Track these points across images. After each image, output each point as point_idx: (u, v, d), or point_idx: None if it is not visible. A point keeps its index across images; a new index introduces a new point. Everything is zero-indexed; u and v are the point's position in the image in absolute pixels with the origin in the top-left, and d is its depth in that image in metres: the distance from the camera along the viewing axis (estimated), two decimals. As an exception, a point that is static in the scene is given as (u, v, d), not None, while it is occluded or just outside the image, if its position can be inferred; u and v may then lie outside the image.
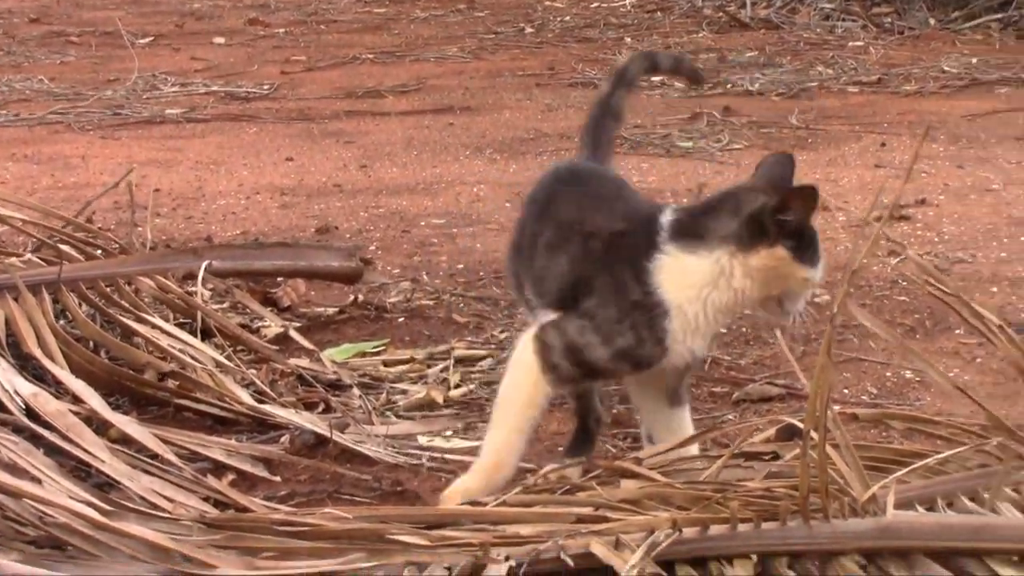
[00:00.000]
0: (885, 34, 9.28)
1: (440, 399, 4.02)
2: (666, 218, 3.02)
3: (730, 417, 3.84)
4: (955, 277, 4.85)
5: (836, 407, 3.57)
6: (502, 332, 4.54)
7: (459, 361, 4.32)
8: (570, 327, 3.00)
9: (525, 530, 2.90)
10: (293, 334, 4.37)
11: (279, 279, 4.88)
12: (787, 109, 7.58)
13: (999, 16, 9.07)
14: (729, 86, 8.25)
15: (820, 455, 2.88)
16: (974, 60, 8.49)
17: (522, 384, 3.08)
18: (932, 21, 9.25)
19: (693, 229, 2.99)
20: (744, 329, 4.39)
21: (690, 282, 2.96)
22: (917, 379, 3.97)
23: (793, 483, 2.93)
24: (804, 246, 2.97)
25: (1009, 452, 3.19)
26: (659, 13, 10.45)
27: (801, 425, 2.92)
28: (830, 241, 5.19)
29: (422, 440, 3.81)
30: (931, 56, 8.76)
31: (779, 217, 2.92)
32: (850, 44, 9.10)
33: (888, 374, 4.12)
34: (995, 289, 4.78)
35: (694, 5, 10.25)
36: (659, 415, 3.23)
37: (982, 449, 3.29)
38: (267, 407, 3.87)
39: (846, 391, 4.02)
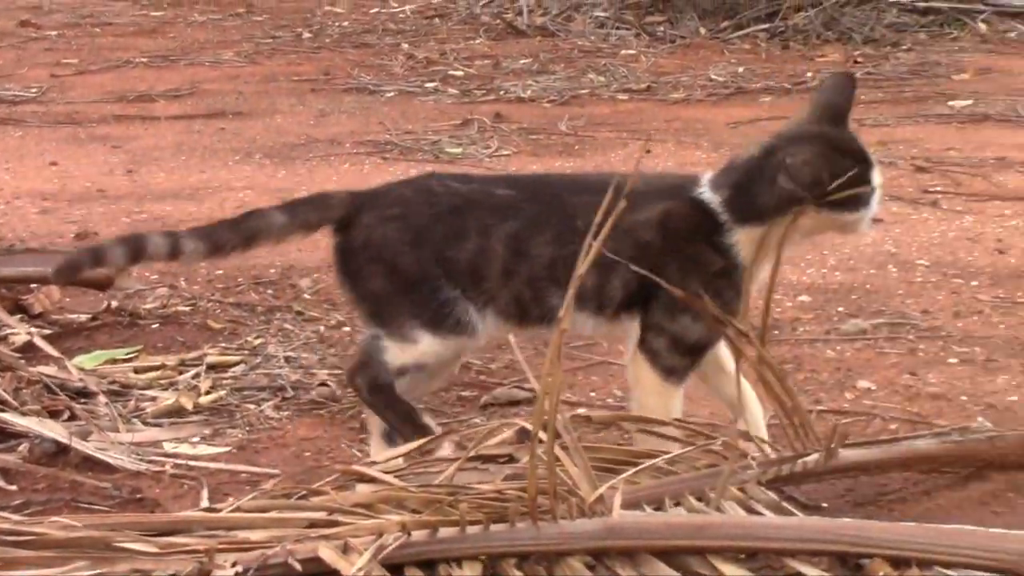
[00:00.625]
0: (657, 43, 9.46)
1: (189, 405, 4.01)
2: (713, 197, 3.19)
3: (476, 421, 3.88)
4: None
5: (581, 409, 3.68)
6: (257, 338, 4.54)
7: (211, 367, 4.30)
8: (664, 323, 3.15)
9: (255, 535, 2.92)
10: (38, 341, 4.33)
11: (33, 286, 4.82)
12: (557, 116, 7.69)
13: (766, 26, 9.31)
14: (502, 93, 8.33)
15: (549, 457, 2.93)
16: (740, 69, 8.71)
17: (657, 405, 3.23)
18: (702, 30, 9.47)
19: (744, 206, 3.15)
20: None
21: (756, 247, 3.13)
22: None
23: (524, 485, 2.98)
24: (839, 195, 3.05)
25: (734, 452, 3.30)
26: (437, 20, 10.53)
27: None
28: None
29: (168, 447, 3.80)
30: (700, 64, 8.95)
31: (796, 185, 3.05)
32: (622, 52, 9.25)
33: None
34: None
35: (472, 12, 10.34)
36: (726, 378, 3.33)
37: (710, 449, 3.39)
38: (5, 415, 3.82)
39: (593, 394, 4.10)
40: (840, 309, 4.85)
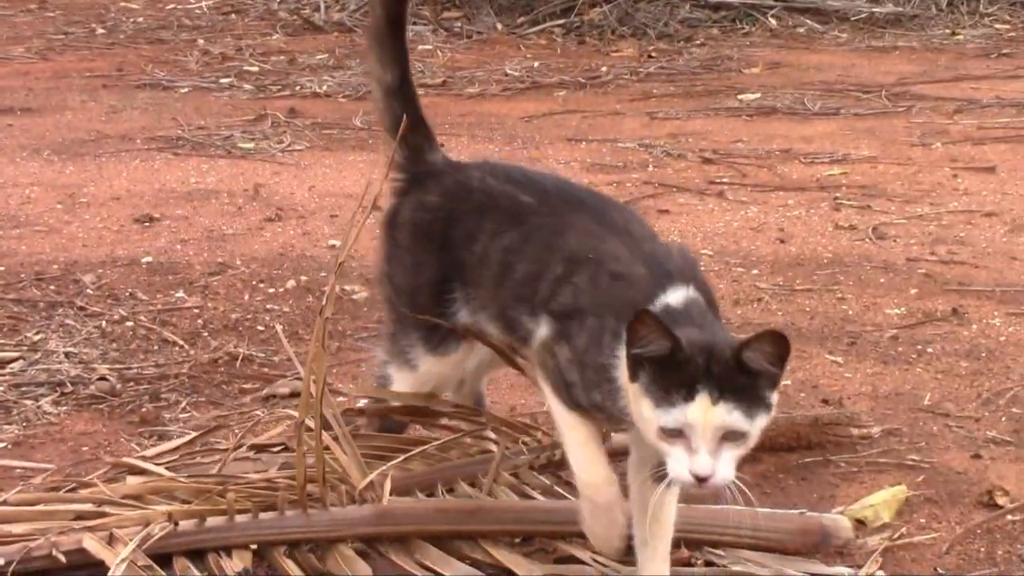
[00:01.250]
0: (454, 38, 9.58)
1: (-36, 404, 3.99)
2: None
3: (258, 413, 3.87)
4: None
5: (363, 401, 3.70)
6: (37, 334, 4.50)
7: (-12, 364, 4.28)
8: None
9: (19, 528, 2.92)
10: None
11: None
12: (352, 111, 7.73)
13: (562, 22, 9.48)
14: (297, 88, 8.36)
15: (317, 446, 2.99)
16: (536, 64, 8.83)
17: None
18: (499, 26, 9.59)
19: None
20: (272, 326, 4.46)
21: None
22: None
23: (294, 473, 3.02)
24: (657, 375, 2.52)
25: (505, 438, 3.36)
26: (234, 15, 10.52)
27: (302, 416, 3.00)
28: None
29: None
30: (496, 60, 9.05)
31: (632, 351, 2.53)
32: (420, 48, 9.31)
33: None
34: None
35: (269, 8, 10.36)
36: (641, 485, 2.88)
37: (482, 436, 3.44)
38: None
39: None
40: None
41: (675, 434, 2.46)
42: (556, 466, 3.44)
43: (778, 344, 2.45)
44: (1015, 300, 4.83)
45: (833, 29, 9.86)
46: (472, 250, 2.95)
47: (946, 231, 5.64)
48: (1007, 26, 9.84)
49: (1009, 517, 3.46)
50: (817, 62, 9.01)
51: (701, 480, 2.45)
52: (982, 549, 3.34)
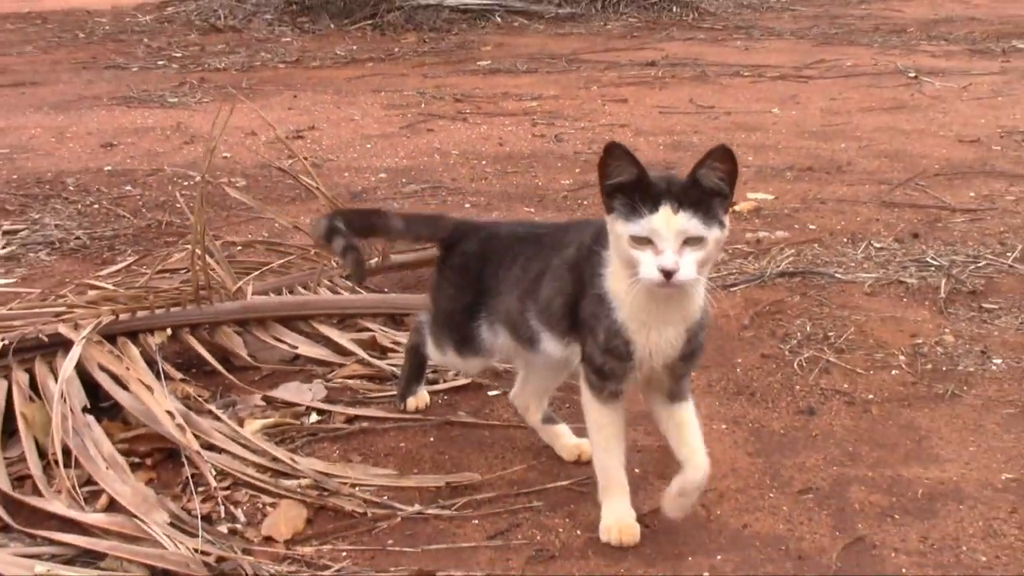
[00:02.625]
0: (305, 33, 10.00)
1: None
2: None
3: (172, 251, 3.93)
4: (326, 169, 5.33)
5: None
6: (37, 214, 4.68)
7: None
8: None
9: (18, 322, 3.09)
10: None
11: None
12: (241, 78, 7.93)
13: (371, 21, 9.97)
14: (206, 65, 8.55)
15: (204, 266, 3.24)
16: (354, 47, 9.20)
17: (589, 419, 2.44)
18: (332, 25, 10.07)
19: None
20: (185, 204, 4.66)
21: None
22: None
23: (192, 283, 3.24)
24: (629, 201, 2.17)
25: (321, 255, 3.65)
26: (167, 23, 10.76)
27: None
28: (254, 155, 5.53)
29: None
30: (329, 45, 9.38)
31: (605, 184, 2.21)
32: (283, 39, 9.65)
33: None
34: (347, 174, 5.29)
35: (188, 18, 10.64)
36: (663, 411, 2.42)
37: (310, 258, 3.74)
38: None
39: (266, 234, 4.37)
40: (404, 180, 5.20)
41: (644, 242, 2.13)
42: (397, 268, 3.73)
43: (726, 159, 2.13)
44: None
45: (535, 23, 10.21)
46: (497, 276, 2.56)
47: (597, 135, 5.97)
48: (636, 19, 10.29)
49: None
50: (525, 43, 9.28)
51: (668, 275, 2.11)
52: None
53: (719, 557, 2.36)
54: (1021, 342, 3.31)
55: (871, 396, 3.03)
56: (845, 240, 4.17)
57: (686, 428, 2.39)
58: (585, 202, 4.71)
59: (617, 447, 2.40)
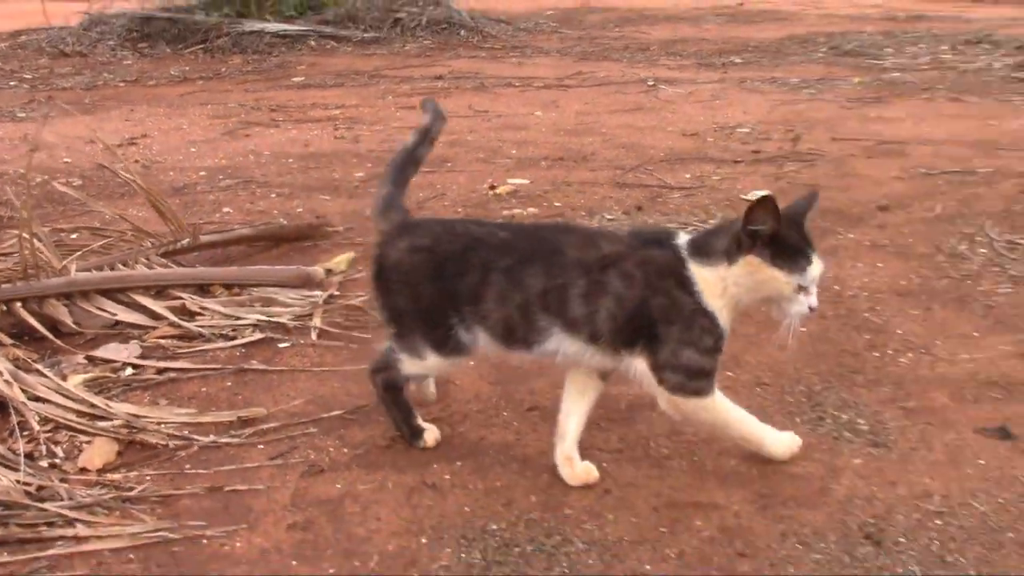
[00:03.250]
0: (144, 57, 9.67)
1: None
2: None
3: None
4: (154, 169, 5.24)
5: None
6: None
7: None
8: (673, 360, 2.22)
9: None
10: None
11: None
12: (84, 95, 7.69)
13: (202, 46, 9.77)
14: (54, 85, 8.26)
15: (32, 247, 3.19)
16: (187, 68, 8.95)
17: (714, 420, 2.32)
18: (168, 49, 9.79)
19: (703, 246, 2.23)
20: (28, 194, 4.55)
21: (713, 284, 2.20)
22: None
23: (23, 263, 3.19)
24: (780, 253, 2.14)
25: (142, 238, 3.64)
26: (20, 50, 10.18)
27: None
28: (90, 159, 5.40)
29: None
30: (165, 67, 9.10)
31: (749, 228, 2.13)
32: (124, 62, 9.35)
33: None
34: (172, 173, 5.20)
35: (39, 46, 10.15)
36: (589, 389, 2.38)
37: (128, 240, 3.71)
38: None
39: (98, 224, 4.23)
40: (220, 177, 5.15)
41: (800, 288, 2.16)
42: (171, 254, 3.67)
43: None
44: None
45: (344, 45, 10.13)
46: (466, 279, 2.28)
47: (390, 136, 5.99)
48: (430, 41, 10.34)
49: None
50: (335, 62, 9.19)
51: (812, 310, 2.18)
52: None
53: (459, 464, 2.46)
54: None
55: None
56: (583, 214, 4.32)
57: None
58: (373, 189, 4.70)
59: (740, 409, 2.33)
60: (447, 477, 2.40)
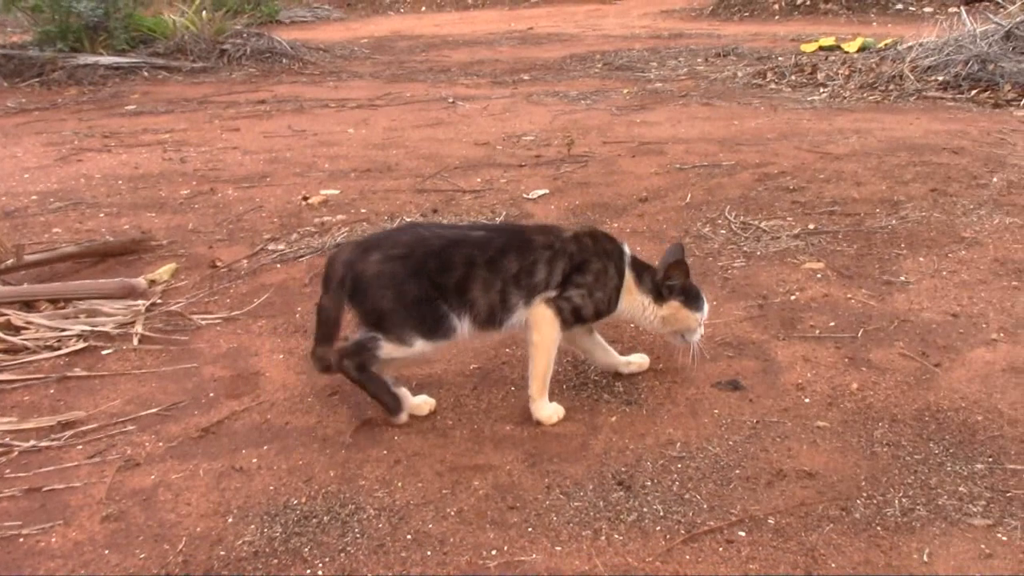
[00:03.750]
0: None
1: None
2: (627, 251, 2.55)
3: None
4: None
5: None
6: None
7: None
8: (574, 297, 2.43)
9: None
10: None
11: None
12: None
13: (38, 79, 9.28)
14: None
15: None
16: (23, 100, 8.42)
17: (549, 331, 2.41)
18: (5, 84, 9.24)
19: (639, 272, 2.55)
20: None
21: (632, 300, 2.54)
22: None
23: None
24: (690, 298, 2.53)
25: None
26: None
27: None
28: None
29: None
30: (2, 100, 8.55)
31: (667, 283, 2.51)
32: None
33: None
34: (3, 198, 4.89)
35: None
36: (590, 343, 2.63)
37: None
38: None
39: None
40: (51, 200, 4.84)
41: (699, 321, 2.54)
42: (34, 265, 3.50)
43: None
44: (239, 182, 5.13)
45: (176, 75, 9.66)
46: (451, 275, 2.36)
47: (215, 156, 5.81)
48: (255, 69, 10.06)
49: (224, 272, 3.71)
50: (167, 91, 8.80)
51: (702, 336, 2.60)
52: (204, 290, 3.57)
53: (265, 447, 2.40)
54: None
55: (390, 324, 3.13)
56: (386, 218, 4.28)
57: (602, 346, 2.66)
58: (196, 205, 4.58)
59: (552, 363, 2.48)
60: (254, 461, 2.34)
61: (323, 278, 2.41)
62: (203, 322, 3.17)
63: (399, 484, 2.22)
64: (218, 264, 3.71)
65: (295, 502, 2.16)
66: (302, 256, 3.79)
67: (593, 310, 2.45)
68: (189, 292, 3.44)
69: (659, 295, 2.51)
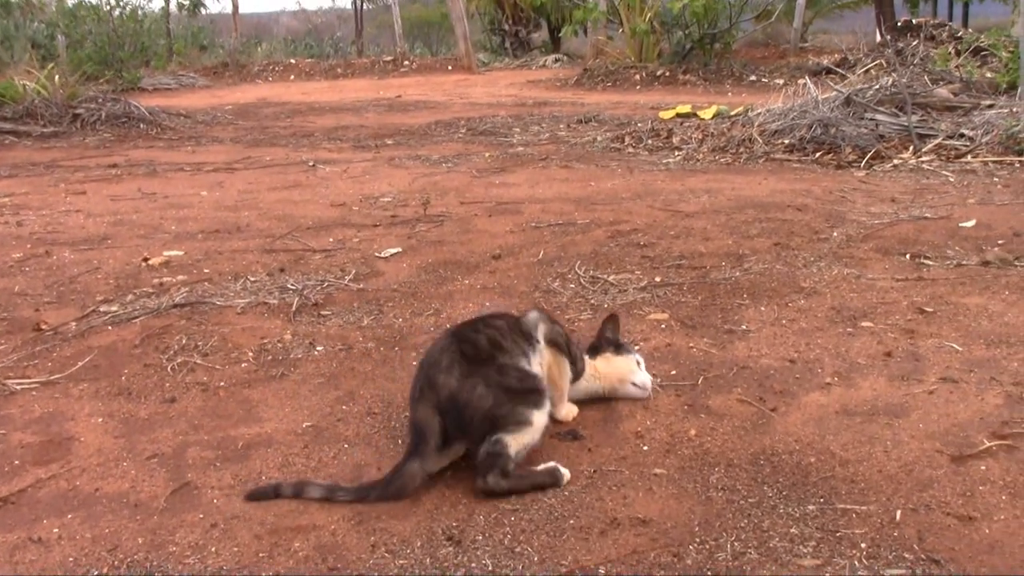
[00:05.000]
0: None
1: None
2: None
3: None
4: None
5: None
6: None
7: None
8: None
9: None
10: None
11: None
12: None
13: None
14: None
15: None
16: None
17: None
18: None
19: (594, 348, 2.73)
20: None
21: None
22: None
23: None
24: (622, 349, 2.71)
25: None
26: None
27: None
28: None
29: None
30: None
31: (605, 336, 2.71)
32: None
33: None
34: None
35: None
36: None
37: None
38: None
39: None
40: None
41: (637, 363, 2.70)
42: None
43: (617, 321, 2.76)
44: (77, 244, 4.92)
45: (25, 140, 9.45)
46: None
47: (55, 219, 5.59)
48: (109, 134, 9.80)
49: (48, 335, 3.54)
50: (13, 155, 8.49)
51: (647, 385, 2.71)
52: (23, 353, 3.38)
53: (70, 516, 2.22)
54: (340, 334, 3.43)
55: (222, 383, 3.01)
56: (230, 278, 4.14)
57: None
58: (27, 268, 4.37)
59: None
60: (56, 531, 2.16)
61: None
62: (18, 387, 2.96)
63: (213, 549, 2.08)
64: (43, 327, 3.50)
65: (95, 573, 1.99)
66: (136, 317, 3.61)
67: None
68: (6, 356, 3.21)
69: (594, 351, 2.69)
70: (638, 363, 2.68)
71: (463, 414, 2.23)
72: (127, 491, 2.34)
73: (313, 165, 7.61)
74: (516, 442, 2.25)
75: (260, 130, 10.34)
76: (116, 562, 2.04)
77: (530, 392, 2.30)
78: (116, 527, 2.18)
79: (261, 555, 2.06)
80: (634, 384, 2.68)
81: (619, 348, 2.68)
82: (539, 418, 2.29)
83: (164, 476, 2.40)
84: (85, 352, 3.29)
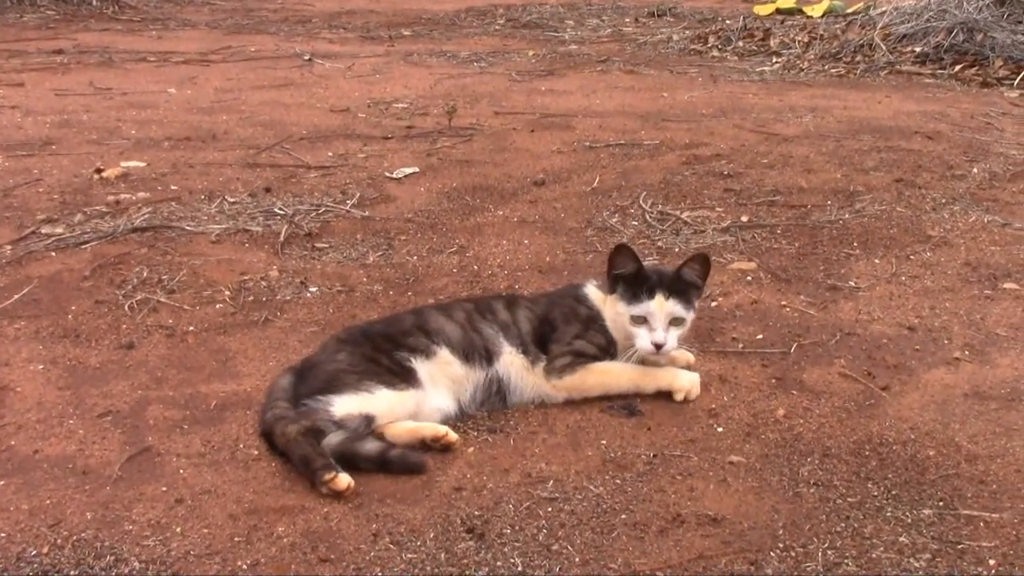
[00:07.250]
0: None
1: None
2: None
3: None
4: None
5: None
6: None
7: None
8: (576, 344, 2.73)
9: None
10: None
11: None
12: None
13: None
14: None
15: None
16: None
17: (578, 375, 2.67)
18: None
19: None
20: None
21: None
22: None
23: None
24: (628, 288, 2.70)
25: None
26: None
27: None
28: None
29: None
30: None
31: (614, 272, 2.71)
32: None
33: None
34: None
35: None
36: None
37: None
38: None
39: None
40: None
41: (640, 320, 2.65)
42: None
43: (703, 263, 2.69)
44: (13, 148, 4.96)
45: None
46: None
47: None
48: (54, 12, 9.86)
49: None
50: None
51: (658, 347, 2.63)
52: None
53: (2, 482, 2.29)
54: (337, 272, 3.47)
55: (191, 328, 3.07)
56: (203, 197, 4.20)
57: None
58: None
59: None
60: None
61: None
62: (-62, 323, 3.04)
63: (178, 530, 2.14)
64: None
65: (33, 553, 2.06)
66: (85, 243, 3.69)
67: None
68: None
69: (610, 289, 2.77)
70: (649, 317, 2.66)
71: None
72: (73, 455, 2.41)
73: (309, 59, 7.63)
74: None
75: (244, 12, 10.37)
76: (59, 540, 2.11)
77: None
78: (59, 498, 2.24)
79: (236, 539, 2.12)
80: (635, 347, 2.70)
81: (632, 287, 2.69)
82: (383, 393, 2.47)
83: (119, 438, 2.47)
84: (22, 282, 3.35)
